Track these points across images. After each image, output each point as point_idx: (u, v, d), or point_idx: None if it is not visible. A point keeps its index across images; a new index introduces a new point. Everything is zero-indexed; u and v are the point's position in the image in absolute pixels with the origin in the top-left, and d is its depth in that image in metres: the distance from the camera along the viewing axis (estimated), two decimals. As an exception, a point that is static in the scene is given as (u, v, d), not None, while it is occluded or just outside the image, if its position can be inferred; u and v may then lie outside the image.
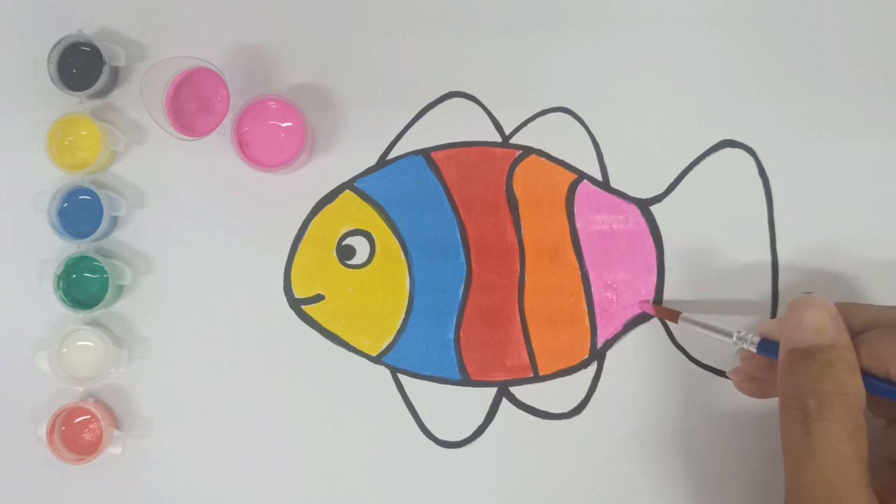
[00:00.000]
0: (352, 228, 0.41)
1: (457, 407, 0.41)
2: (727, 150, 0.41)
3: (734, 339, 0.35)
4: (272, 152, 0.40)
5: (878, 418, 0.35)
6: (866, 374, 0.31)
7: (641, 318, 0.41)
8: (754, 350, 0.34)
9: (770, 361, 0.34)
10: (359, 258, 0.41)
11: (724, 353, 0.40)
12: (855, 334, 0.32)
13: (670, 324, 0.40)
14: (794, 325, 0.32)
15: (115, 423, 0.41)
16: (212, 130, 0.39)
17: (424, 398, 0.41)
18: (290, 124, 0.40)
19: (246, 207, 0.41)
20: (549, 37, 0.42)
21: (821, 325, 0.31)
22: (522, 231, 0.41)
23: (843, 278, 0.40)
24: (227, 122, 0.39)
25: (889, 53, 0.41)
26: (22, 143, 0.41)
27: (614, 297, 0.41)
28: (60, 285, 0.40)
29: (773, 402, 0.35)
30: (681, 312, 0.38)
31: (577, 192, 0.41)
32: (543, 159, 0.41)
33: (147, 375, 0.41)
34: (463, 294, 0.41)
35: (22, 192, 0.41)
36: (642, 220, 0.41)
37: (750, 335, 0.35)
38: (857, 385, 0.30)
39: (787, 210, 0.41)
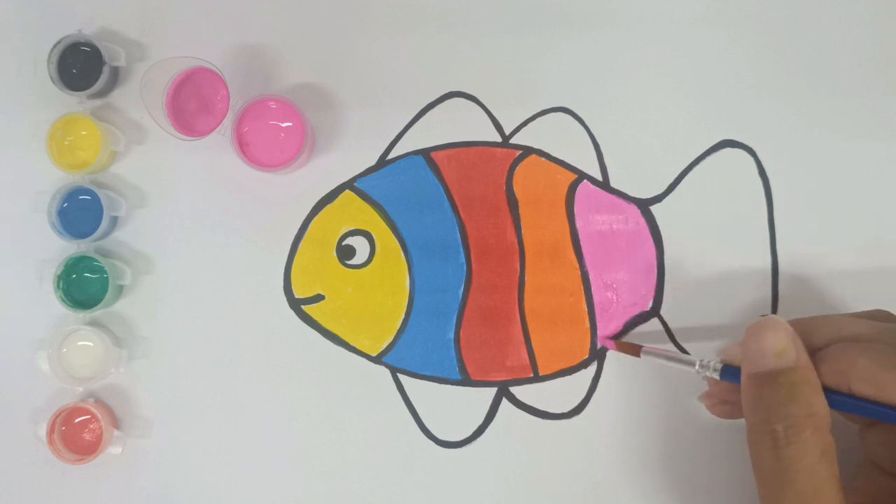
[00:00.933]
0: (352, 228, 0.41)
1: (457, 407, 0.41)
2: (727, 150, 0.41)
3: (696, 367, 0.35)
4: (272, 152, 0.40)
5: (853, 423, 0.35)
6: (829, 391, 0.31)
7: (641, 318, 0.41)
8: (717, 377, 0.34)
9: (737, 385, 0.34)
10: (359, 258, 0.41)
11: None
12: (814, 351, 0.32)
13: (670, 324, 0.40)
14: (754, 349, 0.31)
15: (115, 423, 0.41)
16: (212, 130, 0.39)
17: (424, 398, 0.41)
18: (290, 124, 0.40)
19: (246, 207, 0.41)
20: (549, 37, 0.42)
21: (782, 347, 0.31)
22: (522, 231, 0.41)
23: (844, 279, 0.40)
24: (227, 122, 0.39)
25: (889, 53, 0.41)
26: (22, 143, 0.41)
27: (614, 297, 0.41)
28: (60, 285, 0.40)
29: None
30: (642, 346, 0.38)
31: (577, 192, 0.41)
32: (543, 159, 0.41)
33: (147, 375, 0.41)
34: (463, 294, 0.41)
35: (22, 192, 0.41)
36: (642, 220, 0.41)
37: (713, 362, 0.34)
38: (822, 404, 0.30)
39: (787, 210, 0.41)
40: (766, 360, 0.31)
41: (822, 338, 0.33)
